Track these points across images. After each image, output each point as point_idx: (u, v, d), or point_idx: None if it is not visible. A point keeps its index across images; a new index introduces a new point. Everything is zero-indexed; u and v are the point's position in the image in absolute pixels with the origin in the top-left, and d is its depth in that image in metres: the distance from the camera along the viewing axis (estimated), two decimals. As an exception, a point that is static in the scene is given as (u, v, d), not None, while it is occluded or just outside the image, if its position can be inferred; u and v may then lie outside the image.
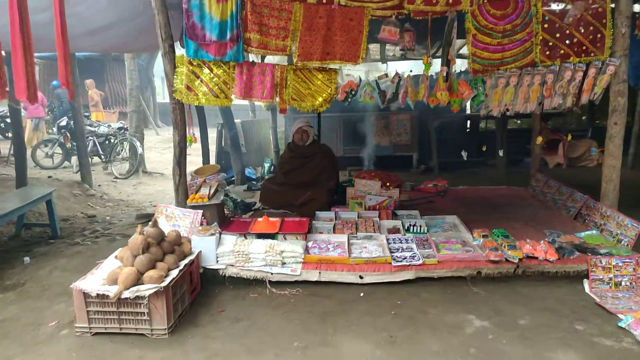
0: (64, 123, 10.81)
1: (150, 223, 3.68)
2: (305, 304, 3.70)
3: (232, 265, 3.99)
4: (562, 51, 4.25)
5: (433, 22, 4.20)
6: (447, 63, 4.18)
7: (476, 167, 8.67)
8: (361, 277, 3.91)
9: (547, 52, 4.26)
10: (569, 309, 3.57)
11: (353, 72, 7.91)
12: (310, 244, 4.25)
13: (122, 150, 10.83)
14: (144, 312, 3.21)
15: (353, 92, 4.34)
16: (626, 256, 3.88)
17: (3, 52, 3.72)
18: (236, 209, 5.44)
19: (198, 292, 3.86)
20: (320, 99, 4.33)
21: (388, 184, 5.54)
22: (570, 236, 4.37)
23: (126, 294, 3.15)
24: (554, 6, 4.22)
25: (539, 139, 4.79)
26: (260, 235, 4.29)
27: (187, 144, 4.50)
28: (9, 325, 3.47)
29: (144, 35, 5.25)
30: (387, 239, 4.36)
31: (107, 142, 11.00)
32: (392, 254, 4.06)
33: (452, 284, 3.93)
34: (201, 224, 4.25)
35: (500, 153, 6.97)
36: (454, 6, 4.10)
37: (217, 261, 4.03)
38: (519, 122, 9.89)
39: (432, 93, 4.28)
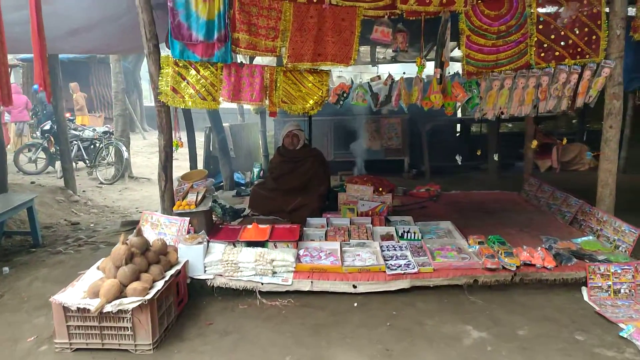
0: (47, 127, 10.57)
1: (134, 232, 3.51)
2: (297, 316, 3.56)
3: (221, 275, 3.84)
4: (557, 53, 4.18)
5: (426, 24, 4.10)
6: (440, 65, 4.08)
7: (468, 171, 8.61)
8: (355, 287, 3.78)
9: (542, 54, 4.18)
10: (568, 318, 3.48)
11: (342, 74, 7.82)
12: (301, 252, 4.12)
13: (107, 154, 10.62)
14: (127, 327, 3.05)
15: (345, 95, 4.22)
16: (625, 263, 3.80)
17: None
18: (225, 215, 5.29)
19: (185, 304, 3.70)
20: (311, 102, 4.20)
21: (381, 189, 5.43)
22: (567, 242, 4.29)
23: (108, 308, 2.99)
24: (549, 7, 4.13)
25: (534, 143, 4.70)
26: (250, 244, 4.14)
27: (174, 148, 4.34)
28: (-16, 342, 3.28)
29: (129, 36, 5.09)
30: (381, 247, 4.24)
31: (92, 146, 10.79)
32: (386, 262, 3.94)
33: (448, 293, 3.82)
34: (188, 232, 4.09)
35: (496, 157, 6.90)
36: (448, 6, 4.01)
37: (205, 271, 3.87)
38: (510, 125, 9.88)
39: (425, 96, 4.17)
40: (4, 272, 4.49)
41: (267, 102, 4.22)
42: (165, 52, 4.21)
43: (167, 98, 4.10)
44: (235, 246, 4.10)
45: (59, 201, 7.51)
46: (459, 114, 9.83)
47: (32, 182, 8.91)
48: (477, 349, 3.11)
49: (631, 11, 4.46)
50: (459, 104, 4.36)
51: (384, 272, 3.82)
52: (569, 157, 7.50)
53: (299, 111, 4.24)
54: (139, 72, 18.01)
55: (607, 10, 4.14)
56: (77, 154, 10.60)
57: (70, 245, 5.38)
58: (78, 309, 3.03)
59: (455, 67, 8.60)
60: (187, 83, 4.11)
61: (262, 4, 3.98)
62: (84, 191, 9.00)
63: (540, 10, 4.12)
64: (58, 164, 9.76)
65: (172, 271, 3.49)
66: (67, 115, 10.23)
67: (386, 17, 4.04)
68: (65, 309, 3.05)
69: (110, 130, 11.08)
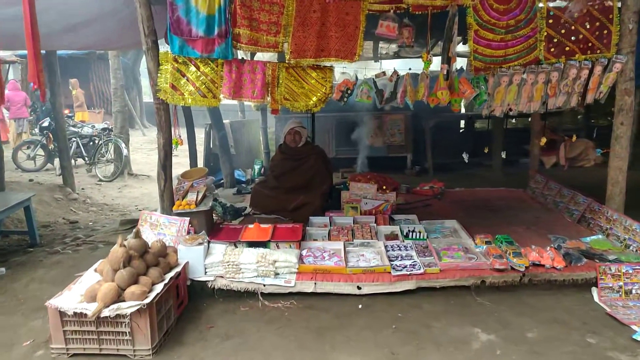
0: (46, 124, 10.45)
1: (132, 233, 3.41)
2: (300, 318, 3.47)
3: (222, 277, 3.75)
4: (567, 48, 4.06)
5: (432, 18, 3.98)
6: (447, 60, 3.97)
7: (472, 168, 8.49)
8: (359, 288, 3.69)
9: (552, 49, 4.07)
10: (578, 320, 3.39)
11: (346, 70, 7.69)
12: (304, 253, 4.02)
13: (106, 151, 10.51)
14: (125, 332, 2.96)
15: (349, 91, 4.11)
16: (636, 263, 3.71)
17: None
18: (225, 214, 5.19)
19: (185, 306, 3.61)
20: (314, 99, 4.09)
21: (384, 187, 5.33)
22: (576, 241, 4.19)
23: (106, 312, 2.90)
24: (559, 1, 4.02)
25: (543, 140, 4.59)
26: (252, 244, 4.05)
27: (173, 146, 4.23)
28: (-22, 346, 3.20)
29: (127, 32, 4.97)
30: (385, 246, 4.14)
31: (91, 143, 10.69)
32: (391, 263, 3.85)
33: (455, 294, 3.73)
34: (188, 233, 3.99)
35: (503, 155, 6.78)
36: (455, 0, 3.89)
37: (206, 272, 3.78)
38: (514, 121, 9.76)
39: (432, 92, 4.06)
40: (0, 272, 4.40)
41: (269, 99, 4.10)
42: (164, 48, 4.10)
43: (166, 95, 3.99)
44: (236, 247, 4.00)
45: (57, 199, 7.42)
46: (463, 110, 9.70)
47: (31, 180, 8.81)
48: (486, 352, 3.03)
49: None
50: (465, 100, 4.24)
51: (389, 273, 3.73)
52: (575, 154, 7.38)
53: (302, 108, 4.12)
54: (138, 68, 17.89)
55: (619, 4, 4.03)
56: (76, 151, 10.51)
57: (69, 245, 5.29)
58: (75, 313, 2.94)
59: (459, 63, 8.46)
60: (187, 80, 3.99)
61: (263, -2, 3.86)
62: (82, 189, 8.90)
63: (550, 4, 4.01)
64: (57, 161, 9.65)
65: (172, 273, 3.39)
66: (66, 112, 10.15)
67: (392, 11, 3.92)
68: (62, 313, 2.96)
69: (110, 127, 10.97)
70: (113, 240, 5.23)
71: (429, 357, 2.98)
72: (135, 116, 16.88)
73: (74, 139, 10.41)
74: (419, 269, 3.74)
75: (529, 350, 3.04)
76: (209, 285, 3.74)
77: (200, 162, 8.05)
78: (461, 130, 9.95)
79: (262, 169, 8.11)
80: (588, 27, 4.03)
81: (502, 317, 3.43)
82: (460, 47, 6.27)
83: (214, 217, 4.86)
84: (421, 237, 4.35)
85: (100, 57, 16.27)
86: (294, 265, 3.77)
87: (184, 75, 3.99)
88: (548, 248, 3.91)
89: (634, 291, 3.61)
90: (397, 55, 9.26)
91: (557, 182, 5.75)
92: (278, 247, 4.06)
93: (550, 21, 4.01)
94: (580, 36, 4.04)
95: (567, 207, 5.18)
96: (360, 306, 3.60)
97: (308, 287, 3.70)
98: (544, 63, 4.09)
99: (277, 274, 3.75)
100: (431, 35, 3.99)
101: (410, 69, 4.17)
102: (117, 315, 2.90)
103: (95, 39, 5.63)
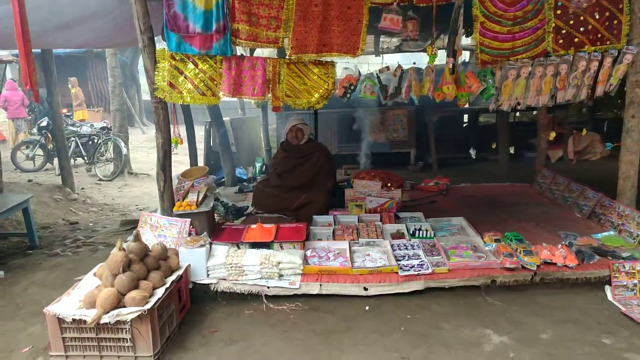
0: (44, 123, 10.36)
1: (132, 236, 3.31)
2: (306, 321, 3.37)
3: (225, 279, 3.66)
4: (576, 39, 3.94)
5: (437, 10, 3.86)
6: (453, 54, 3.85)
7: (476, 162, 8.38)
8: (366, 289, 3.60)
9: (560, 41, 3.95)
10: (593, 319, 3.29)
11: (349, 66, 7.56)
12: (308, 253, 3.92)
13: (106, 150, 10.43)
14: (126, 338, 2.87)
15: (352, 87, 3.99)
16: (650, 259, 3.61)
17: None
18: (227, 214, 5.09)
19: (188, 310, 3.52)
20: (316, 95, 3.97)
21: (389, 184, 5.22)
22: (588, 238, 4.08)
23: (106, 319, 2.81)
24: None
25: (552, 135, 4.48)
26: (255, 245, 3.95)
27: (173, 145, 4.12)
28: (-24, 353, 3.12)
29: (123, 29, 4.86)
30: (392, 246, 4.04)
31: (90, 142, 10.60)
32: (398, 263, 3.75)
33: (464, 294, 3.64)
34: (189, 234, 3.89)
35: (512, 150, 6.65)
36: (461, -8, 3.78)
37: (208, 275, 3.69)
38: (518, 114, 9.62)
39: (437, 87, 3.94)
40: (-2, 276, 4.32)
41: (270, 96, 3.99)
42: (162, 45, 3.98)
43: (164, 94, 3.87)
44: (239, 248, 3.91)
45: (56, 200, 7.33)
46: (466, 104, 9.57)
47: (30, 180, 8.73)
48: (498, 355, 2.94)
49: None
50: (473, 94, 4.12)
51: (396, 273, 3.63)
52: (581, 147, 7.25)
53: (304, 105, 4.01)
54: (136, 65, 17.78)
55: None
56: (75, 151, 10.43)
57: (68, 247, 5.20)
58: (74, 320, 2.85)
59: (463, 56, 8.34)
60: (185, 78, 3.88)
61: (263, -8, 3.74)
62: (82, 189, 8.81)
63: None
64: (56, 160, 9.56)
65: (173, 277, 3.30)
66: (64, 111, 10.04)
67: (395, 4, 3.80)
68: (60, 320, 2.88)
69: (109, 126, 10.88)
70: (113, 241, 5.14)
71: (440, 361, 2.89)
72: (134, 114, 16.78)
73: (72, 139, 10.33)
74: (427, 269, 3.64)
75: (544, 352, 2.95)
76: (212, 288, 3.65)
77: (201, 161, 7.94)
78: (465, 125, 9.82)
79: (264, 167, 8.01)
80: (597, 17, 3.91)
81: (513, 318, 3.34)
82: (464, 40, 6.16)
83: (215, 217, 4.76)
84: (428, 236, 4.25)
85: (98, 55, 16.14)
86: (298, 266, 3.67)
87: (182, 73, 3.87)
88: (559, 246, 3.81)
89: (648, 289, 3.51)
90: (398, 49, 9.13)
91: (564, 177, 5.63)
92: (282, 247, 3.97)
93: (558, 12, 3.88)
94: (590, 27, 3.92)
95: (577, 203, 5.07)
96: (367, 308, 3.51)
97: (313, 288, 3.61)
98: (553, 55, 3.97)
99: (281, 275, 3.65)
100: (436, 28, 3.87)
101: (414, 62, 4.04)
102: (118, 322, 2.82)
103: (90, 37, 5.50)
